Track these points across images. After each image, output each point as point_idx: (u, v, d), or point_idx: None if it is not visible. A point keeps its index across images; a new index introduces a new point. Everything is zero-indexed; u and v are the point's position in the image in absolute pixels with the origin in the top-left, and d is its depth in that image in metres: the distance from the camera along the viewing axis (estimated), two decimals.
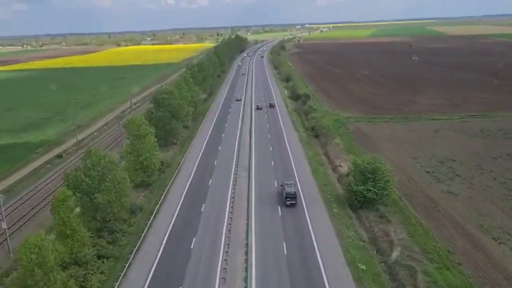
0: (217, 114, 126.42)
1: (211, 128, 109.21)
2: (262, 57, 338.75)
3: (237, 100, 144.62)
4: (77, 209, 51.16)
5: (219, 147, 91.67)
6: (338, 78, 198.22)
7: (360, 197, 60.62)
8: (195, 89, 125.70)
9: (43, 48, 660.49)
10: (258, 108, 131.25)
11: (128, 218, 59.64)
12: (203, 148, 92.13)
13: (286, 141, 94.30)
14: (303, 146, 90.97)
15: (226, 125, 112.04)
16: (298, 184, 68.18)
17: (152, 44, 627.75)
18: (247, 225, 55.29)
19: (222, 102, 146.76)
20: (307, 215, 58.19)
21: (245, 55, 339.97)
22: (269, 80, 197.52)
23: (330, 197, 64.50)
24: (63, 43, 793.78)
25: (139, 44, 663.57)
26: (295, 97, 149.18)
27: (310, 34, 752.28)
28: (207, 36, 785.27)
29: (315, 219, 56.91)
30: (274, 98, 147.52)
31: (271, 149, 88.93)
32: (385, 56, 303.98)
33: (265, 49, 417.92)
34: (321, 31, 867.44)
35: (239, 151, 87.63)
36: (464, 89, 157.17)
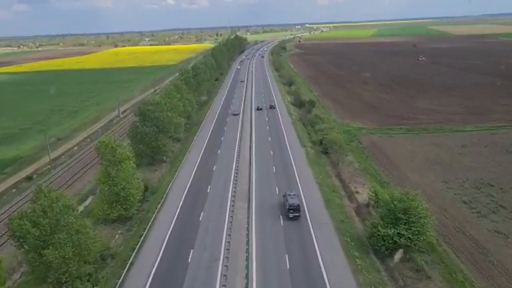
0: (213, 125, 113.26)
1: (206, 143, 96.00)
2: (263, 57, 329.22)
3: (235, 115, 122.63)
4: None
5: (214, 167, 78.52)
6: (344, 81, 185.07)
7: (390, 243, 47.56)
8: (188, 97, 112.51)
9: (39, 49, 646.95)
10: (258, 109, 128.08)
11: (94, 271, 46.47)
12: (195, 168, 78.96)
13: (292, 160, 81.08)
14: (311, 166, 77.76)
15: (222, 138, 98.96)
16: (310, 223, 55.22)
17: (150, 45, 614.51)
18: (246, 286, 42.21)
19: (219, 110, 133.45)
20: (323, 270, 44.95)
21: (244, 56, 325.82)
22: (270, 84, 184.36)
23: (350, 241, 51.28)
24: (61, 44, 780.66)
25: (137, 44, 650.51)
26: (299, 103, 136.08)
27: (310, 34, 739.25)
28: (206, 37, 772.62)
29: (334, 278, 43.72)
30: (276, 105, 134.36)
31: (274, 170, 75.80)
32: (390, 56, 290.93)
33: (265, 49, 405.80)
34: (322, 31, 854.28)
35: (237, 173, 74.53)
36: (480, 93, 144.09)
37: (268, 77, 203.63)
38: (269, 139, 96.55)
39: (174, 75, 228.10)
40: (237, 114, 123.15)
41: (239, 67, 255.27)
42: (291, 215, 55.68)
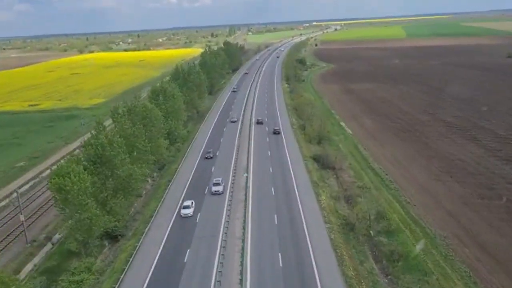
0: None
1: None
2: (278, 57, 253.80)
3: None
4: None
5: None
6: None
7: None
8: None
9: None
10: (258, 123, 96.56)
11: None
12: None
13: None
14: None
15: None
16: None
17: (125, 50, 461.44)
18: None
19: None
20: None
21: (234, 89, 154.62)
22: None
23: None
24: (28, 48, 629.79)
25: (110, 49, 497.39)
26: None
27: (324, 34, 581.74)
28: (199, 38, 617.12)
29: None
30: None
31: None
32: None
33: (277, 57, 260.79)
34: (336, 30, 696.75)
35: None
36: None
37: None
38: None
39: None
40: None
41: (209, 151, 79.51)
42: None
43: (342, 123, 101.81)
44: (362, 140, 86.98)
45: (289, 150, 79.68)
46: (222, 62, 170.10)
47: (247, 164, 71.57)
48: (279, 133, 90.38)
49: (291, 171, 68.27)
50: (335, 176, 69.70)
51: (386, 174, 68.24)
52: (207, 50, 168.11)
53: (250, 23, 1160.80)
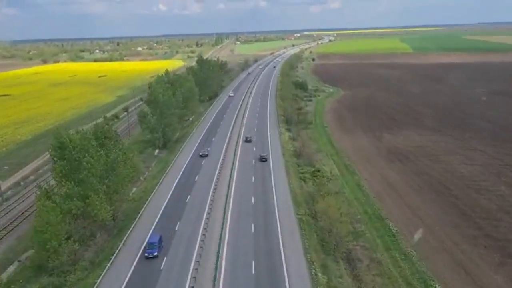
0: None
1: None
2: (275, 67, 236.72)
3: None
4: None
5: None
6: None
7: None
8: None
9: None
10: (247, 141, 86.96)
11: None
12: None
13: None
14: None
15: None
16: None
17: (95, 60, 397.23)
18: None
19: None
20: None
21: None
22: None
23: None
24: None
25: (81, 58, 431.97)
26: None
27: (319, 46, 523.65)
28: (183, 47, 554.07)
29: None
30: None
31: None
32: None
33: (274, 67, 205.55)
34: (330, 41, 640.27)
35: None
36: None
37: None
38: None
39: None
40: None
41: None
42: None
43: None
44: None
45: None
46: (188, 94, 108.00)
47: None
48: None
49: None
50: None
51: None
52: (164, 76, 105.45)
53: (239, 31, 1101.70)
